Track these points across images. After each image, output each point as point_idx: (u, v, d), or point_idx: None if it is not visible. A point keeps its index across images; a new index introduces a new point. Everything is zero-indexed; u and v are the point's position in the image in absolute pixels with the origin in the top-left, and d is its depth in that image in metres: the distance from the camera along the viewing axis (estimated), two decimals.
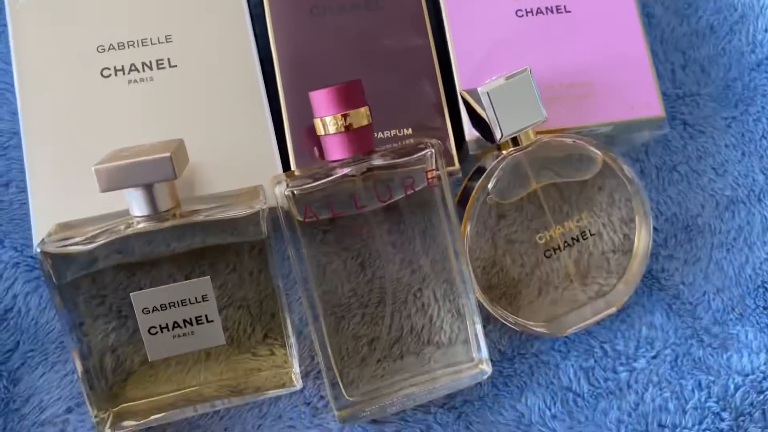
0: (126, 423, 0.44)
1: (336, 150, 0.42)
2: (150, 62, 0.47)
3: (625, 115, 0.49)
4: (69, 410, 0.46)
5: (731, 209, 0.54)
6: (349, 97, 0.41)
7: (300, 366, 0.47)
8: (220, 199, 0.43)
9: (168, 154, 0.39)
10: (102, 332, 0.43)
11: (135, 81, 0.46)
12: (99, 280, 0.42)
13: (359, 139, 0.42)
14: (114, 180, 0.39)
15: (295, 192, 0.42)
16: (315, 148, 0.46)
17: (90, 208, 0.43)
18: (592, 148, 0.48)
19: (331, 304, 0.46)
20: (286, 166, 0.46)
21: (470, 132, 0.48)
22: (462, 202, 0.48)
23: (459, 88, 0.48)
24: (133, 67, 0.47)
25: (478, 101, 0.46)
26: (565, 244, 0.49)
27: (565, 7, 0.50)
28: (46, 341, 0.47)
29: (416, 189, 0.44)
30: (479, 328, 0.46)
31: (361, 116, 0.42)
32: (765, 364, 0.50)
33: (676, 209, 0.54)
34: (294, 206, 0.42)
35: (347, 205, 0.43)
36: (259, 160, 0.46)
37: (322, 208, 0.43)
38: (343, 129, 0.41)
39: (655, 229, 0.52)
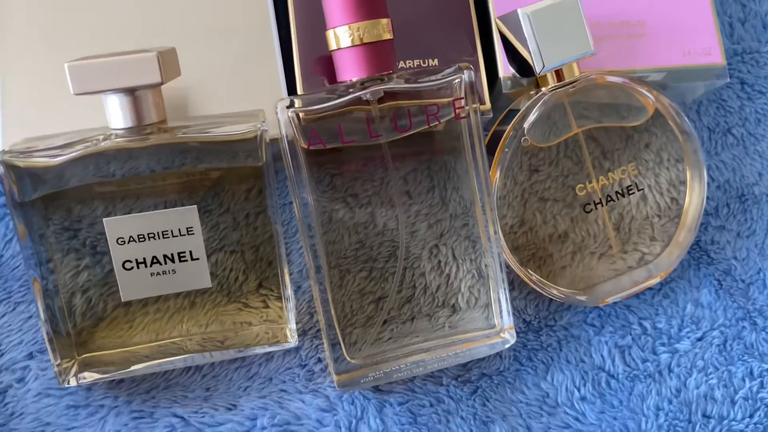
0: (91, 374, 0.38)
1: (349, 68, 0.36)
2: None
3: (680, 61, 0.44)
4: (30, 356, 0.40)
5: None
6: (367, 5, 0.35)
7: (297, 323, 0.41)
8: (215, 119, 0.38)
9: (154, 53, 0.33)
10: (73, 269, 0.38)
11: None
12: (73, 210, 0.37)
13: (377, 56, 0.36)
14: (90, 80, 0.33)
15: (300, 115, 0.36)
16: (325, 79, 0.41)
17: (67, 122, 0.38)
18: (645, 92, 0.42)
19: (335, 256, 0.40)
20: (292, 92, 0.41)
21: (505, 68, 0.42)
22: (490, 147, 0.42)
23: (494, 14, 0.43)
24: None
25: (517, 28, 0.40)
26: (608, 198, 0.43)
27: None
28: (10, 278, 0.41)
29: (441, 120, 0.38)
30: (504, 292, 0.40)
31: (380, 28, 0.36)
32: None
33: (729, 175, 0.48)
34: (299, 132, 0.36)
35: (359, 133, 0.37)
36: (262, 84, 0.41)
37: (331, 135, 0.37)
38: (358, 42, 0.35)
39: (706, 198, 0.46)
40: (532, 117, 0.41)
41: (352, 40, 0.35)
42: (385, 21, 0.36)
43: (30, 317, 0.41)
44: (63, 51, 0.39)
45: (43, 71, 0.39)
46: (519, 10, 0.39)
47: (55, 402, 0.40)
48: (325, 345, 0.38)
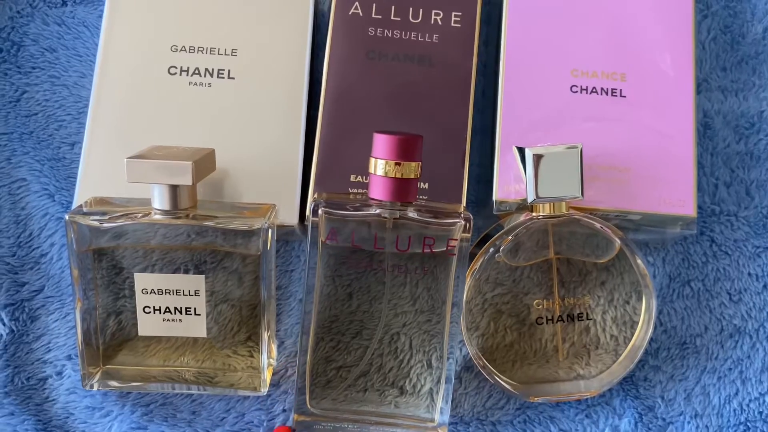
0: (111, 382, 0.49)
1: (379, 190, 0.45)
2: (212, 70, 0.52)
3: (656, 208, 0.50)
4: (69, 357, 0.52)
5: (735, 338, 0.53)
6: (407, 149, 0.44)
7: (274, 374, 0.51)
8: (236, 210, 0.48)
9: (190, 163, 0.43)
10: (113, 295, 0.48)
11: (195, 84, 0.51)
12: (119, 255, 0.47)
13: (403, 189, 0.45)
14: (139, 174, 0.44)
15: (330, 213, 0.45)
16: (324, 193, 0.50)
17: (130, 187, 0.49)
18: (614, 237, 0.49)
19: (316, 324, 0.49)
20: (305, 188, 0.50)
21: (499, 192, 0.50)
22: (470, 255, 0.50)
23: (498, 144, 0.50)
24: (196, 71, 0.51)
25: (523, 159, 0.48)
26: (559, 319, 0.50)
27: (621, 91, 0.51)
28: (66, 292, 0.53)
29: (434, 251, 0.46)
30: (447, 389, 0.48)
31: (411, 169, 0.45)
32: None
33: (677, 323, 0.54)
34: (324, 225, 0.45)
35: (367, 241, 0.46)
36: (283, 178, 0.50)
37: (345, 235, 0.46)
38: (392, 175, 0.44)
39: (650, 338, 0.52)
40: (512, 237, 0.48)
41: (386, 173, 0.44)
42: (416, 164, 0.45)
43: (74, 326, 0.52)
44: (136, 131, 0.50)
45: (119, 143, 0.50)
46: (527, 150, 0.47)
47: (79, 399, 0.51)
48: (296, 390, 0.48)
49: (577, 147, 0.47)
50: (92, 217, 0.45)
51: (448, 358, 0.48)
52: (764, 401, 0.52)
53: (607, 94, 0.52)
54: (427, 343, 0.50)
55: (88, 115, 0.51)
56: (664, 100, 0.52)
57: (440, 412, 0.49)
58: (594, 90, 0.51)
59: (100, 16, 0.55)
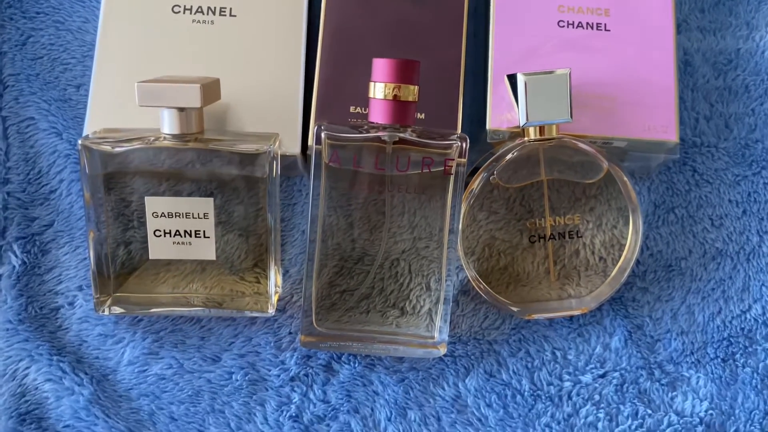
0: (120, 308, 0.51)
1: (379, 114, 0.47)
2: (215, 8, 0.53)
3: (641, 134, 0.52)
4: (80, 288, 0.54)
5: (717, 261, 0.56)
6: (405, 72, 0.46)
7: (279, 300, 0.53)
8: (240, 136, 0.50)
9: (198, 85, 0.45)
10: (122, 226, 0.50)
11: (198, 21, 0.53)
12: (128, 186, 0.49)
13: (402, 111, 0.47)
14: (149, 97, 0.45)
15: (332, 136, 0.47)
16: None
17: (138, 121, 0.50)
18: (602, 159, 0.51)
19: (320, 252, 0.51)
20: (306, 119, 0.52)
21: (492, 121, 0.52)
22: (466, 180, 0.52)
23: (491, 76, 0.53)
24: (199, 9, 0.53)
25: (514, 87, 0.50)
26: (551, 237, 0.53)
27: (605, 25, 0.54)
28: (75, 226, 0.54)
29: (432, 170, 0.49)
30: (446, 309, 0.50)
31: (409, 92, 0.47)
32: (705, 411, 0.53)
33: (663, 247, 0.56)
34: (327, 148, 0.47)
35: (368, 164, 0.48)
36: (284, 109, 0.53)
37: (347, 158, 0.48)
38: (390, 97, 0.46)
39: (637, 261, 0.55)
40: (507, 158, 0.50)
41: (385, 95, 0.46)
42: (414, 87, 0.47)
43: (84, 258, 0.54)
44: (142, 68, 0.52)
45: (125, 80, 0.52)
46: (518, 75, 0.50)
47: (91, 327, 0.53)
48: (302, 312, 0.50)
49: (565, 72, 0.50)
50: (104, 142, 0.47)
51: (446, 281, 0.50)
52: (745, 318, 0.55)
53: (592, 28, 0.54)
54: (425, 268, 0.52)
55: (94, 55, 0.52)
56: (647, 35, 0.54)
57: (439, 331, 0.51)
58: (580, 24, 0.54)
59: None
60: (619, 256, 0.54)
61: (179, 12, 0.53)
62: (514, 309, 0.53)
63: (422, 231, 0.52)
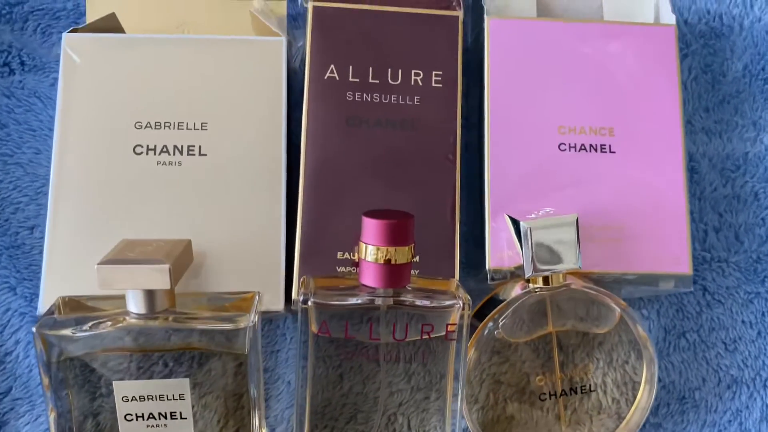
0: None
1: (371, 277, 0.42)
2: (181, 147, 0.48)
3: (652, 267, 0.48)
4: None
5: (733, 389, 0.53)
6: (399, 233, 0.41)
7: None
8: (217, 300, 0.45)
9: (167, 266, 0.40)
10: (89, 396, 0.45)
11: (163, 163, 0.48)
12: (92, 366, 0.44)
13: (396, 274, 0.42)
14: (112, 281, 0.40)
15: (319, 304, 0.42)
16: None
17: None
18: (612, 304, 0.47)
19: (309, 412, 0.47)
20: (290, 268, 0.47)
21: (492, 260, 0.48)
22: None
23: (488, 210, 0.48)
24: (164, 149, 0.48)
25: (517, 229, 0.46)
26: (562, 393, 0.49)
27: (610, 147, 0.50)
28: (35, 392, 0.49)
29: (432, 337, 0.44)
30: None
31: (405, 254, 0.42)
32: None
33: (675, 377, 0.53)
34: (314, 317, 0.43)
35: (362, 331, 0.44)
36: (265, 259, 0.47)
37: (338, 325, 0.43)
38: (383, 261, 0.41)
39: None
40: (510, 312, 0.46)
41: (376, 259, 0.41)
42: (408, 247, 0.41)
43: (47, 429, 0.48)
44: (105, 207, 0.47)
45: (84, 231, 0.47)
46: (522, 223, 0.45)
47: None
48: None
49: (573, 218, 0.45)
50: (62, 327, 0.42)
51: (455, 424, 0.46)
52: None
53: (596, 150, 0.50)
54: (426, 422, 0.48)
55: (48, 205, 0.47)
56: (654, 150, 0.50)
57: None
58: (583, 147, 0.50)
59: (53, 85, 0.51)
60: (633, 397, 0.50)
61: (141, 153, 0.48)
62: None
63: (420, 380, 0.47)
